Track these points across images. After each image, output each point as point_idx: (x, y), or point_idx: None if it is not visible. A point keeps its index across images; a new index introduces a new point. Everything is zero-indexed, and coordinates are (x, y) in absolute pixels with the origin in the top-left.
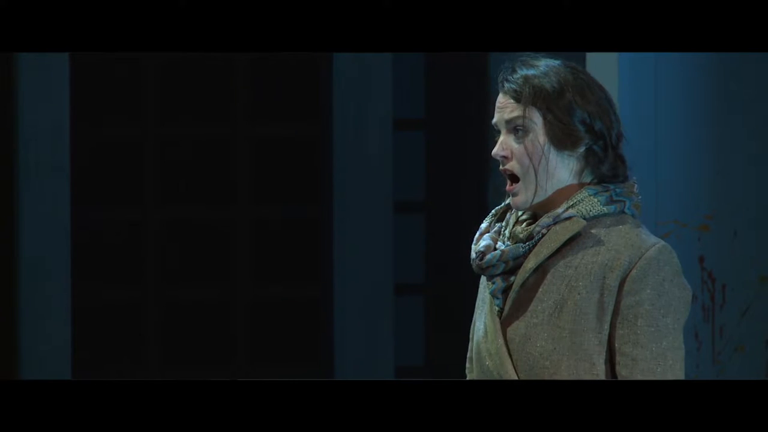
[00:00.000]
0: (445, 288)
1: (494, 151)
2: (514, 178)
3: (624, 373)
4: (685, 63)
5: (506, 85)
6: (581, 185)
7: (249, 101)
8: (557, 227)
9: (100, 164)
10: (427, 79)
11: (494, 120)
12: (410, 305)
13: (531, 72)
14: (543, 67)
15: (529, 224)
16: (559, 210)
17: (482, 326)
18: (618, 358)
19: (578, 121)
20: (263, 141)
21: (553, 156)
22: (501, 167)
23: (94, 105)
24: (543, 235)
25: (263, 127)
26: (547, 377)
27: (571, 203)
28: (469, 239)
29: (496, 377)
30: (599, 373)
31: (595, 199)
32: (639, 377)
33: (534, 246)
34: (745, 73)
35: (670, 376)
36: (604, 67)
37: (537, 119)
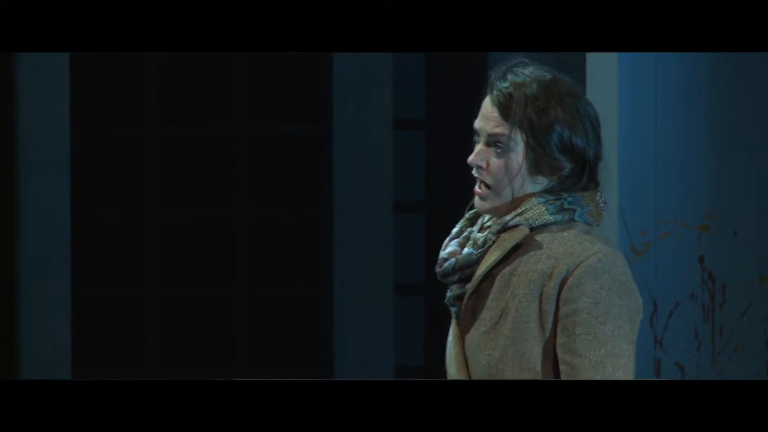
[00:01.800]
0: (445, 288)
1: (471, 159)
2: (486, 186)
3: None
4: (685, 63)
5: (495, 93)
6: (533, 193)
7: (249, 101)
8: (505, 235)
9: (100, 164)
10: (427, 79)
11: (477, 125)
12: (410, 305)
13: (520, 90)
14: (533, 84)
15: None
16: (507, 217)
17: (450, 332)
18: (561, 366)
19: (559, 149)
20: (263, 141)
21: (529, 178)
22: (475, 173)
23: (94, 105)
24: (493, 242)
25: (263, 127)
26: None
27: (520, 211)
28: None
29: None
30: None
31: (543, 208)
32: None
33: (484, 253)
34: (745, 73)
35: None
36: (604, 67)
37: (520, 141)
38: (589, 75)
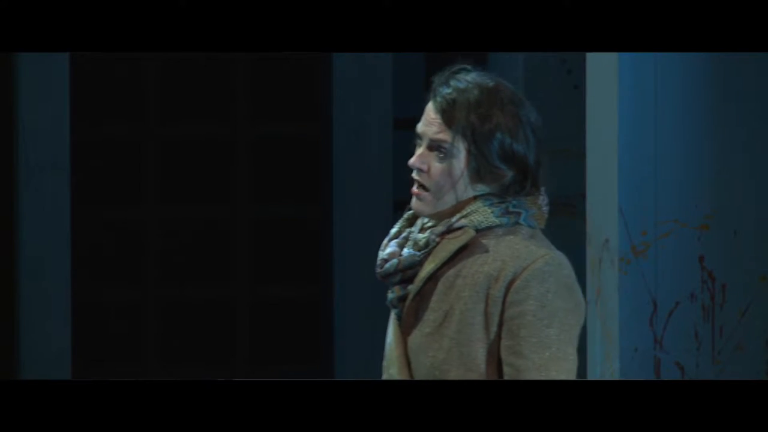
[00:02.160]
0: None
1: (412, 161)
2: (424, 189)
3: None
4: (685, 63)
5: (438, 99)
6: (478, 196)
7: (249, 101)
8: (450, 237)
9: (100, 164)
10: (427, 79)
11: (419, 129)
12: None
13: (463, 97)
14: (475, 90)
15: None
16: (453, 219)
17: (390, 333)
18: (504, 368)
19: (500, 158)
20: (263, 141)
21: (470, 185)
22: (415, 176)
23: (94, 105)
24: (437, 243)
25: (263, 127)
26: None
27: (465, 213)
28: None
29: None
30: None
31: (489, 210)
32: None
33: (428, 255)
34: (745, 73)
35: None
36: (604, 67)
37: (462, 149)
38: (589, 75)
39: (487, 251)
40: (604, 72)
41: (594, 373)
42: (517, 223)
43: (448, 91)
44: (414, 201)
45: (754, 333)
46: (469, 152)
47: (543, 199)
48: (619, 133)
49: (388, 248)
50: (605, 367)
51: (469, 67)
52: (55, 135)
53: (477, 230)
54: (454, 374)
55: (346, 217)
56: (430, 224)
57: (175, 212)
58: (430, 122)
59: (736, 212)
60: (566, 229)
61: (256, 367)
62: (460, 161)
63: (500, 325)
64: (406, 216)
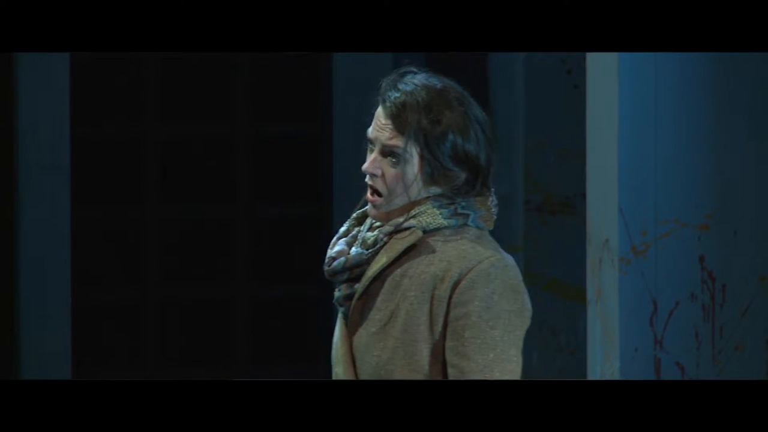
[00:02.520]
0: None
1: (366, 167)
2: (378, 193)
3: None
4: (685, 63)
5: (388, 104)
6: (428, 197)
7: (249, 101)
8: (397, 237)
9: (100, 164)
10: None
11: (371, 135)
12: None
13: (413, 100)
14: (424, 93)
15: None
16: (401, 219)
17: (337, 331)
18: (448, 369)
19: (453, 160)
20: (263, 141)
21: (423, 188)
22: (368, 181)
23: (94, 105)
24: (385, 243)
25: (263, 126)
26: None
27: (413, 214)
28: None
29: None
30: None
31: (438, 212)
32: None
33: (375, 254)
34: (745, 73)
35: None
36: (604, 67)
37: (415, 153)
38: (589, 75)
39: (433, 252)
40: (604, 72)
41: (594, 373)
42: (465, 224)
43: (397, 95)
44: (370, 207)
45: (755, 333)
46: (422, 157)
47: (492, 200)
48: (619, 133)
49: (336, 246)
50: (605, 367)
51: (415, 69)
52: (55, 135)
53: (425, 231)
54: (398, 374)
55: (346, 217)
56: (378, 224)
57: (175, 212)
58: (381, 128)
59: (736, 212)
60: (566, 229)
61: (256, 367)
62: (414, 166)
63: (445, 325)
64: (355, 215)
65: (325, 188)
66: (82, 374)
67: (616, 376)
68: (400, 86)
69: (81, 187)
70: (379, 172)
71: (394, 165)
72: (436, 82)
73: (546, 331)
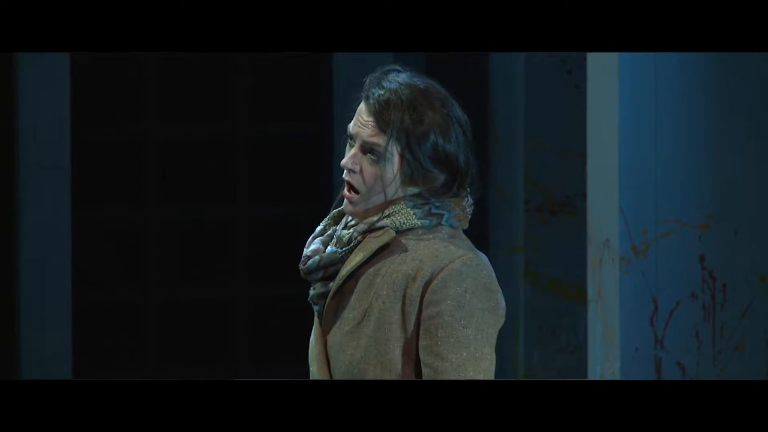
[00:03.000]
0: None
1: (344, 162)
2: (355, 190)
3: None
4: (685, 63)
5: (371, 101)
6: (403, 197)
7: (249, 101)
8: (371, 236)
9: (100, 164)
10: None
11: (352, 130)
12: None
13: (396, 98)
14: (407, 92)
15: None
16: (375, 218)
17: (313, 330)
18: (423, 368)
19: (433, 162)
20: (263, 140)
21: (401, 188)
22: (346, 176)
23: (94, 105)
24: (359, 242)
25: (263, 126)
26: None
27: (387, 213)
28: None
29: None
30: None
31: (412, 212)
32: None
33: (349, 252)
34: (745, 73)
35: None
36: (604, 67)
37: (396, 152)
38: (590, 75)
39: (406, 251)
40: (605, 72)
41: (594, 373)
42: (439, 224)
43: (381, 92)
44: (346, 203)
45: (755, 332)
46: (402, 156)
47: (467, 201)
48: (619, 133)
49: (312, 245)
50: (605, 367)
51: (399, 67)
52: (55, 135)
53: (398, 231)
54: (371, 373)
55: None
56: (353, 222)
57: (175, 212)
58: (363, 124)
59: (737, 212)
60: (567, 229)
61: (256, 367)
62: (393, 165)
63: (417, 324)
64: (331, 214)
65: (325, 188)
66: (82, 374)
67: (617, 376)
68: (384, 84)
69: (81, 187)
70: (357, 168)
71: (374, 163)
72: (419, 81)
73: (546, 330)
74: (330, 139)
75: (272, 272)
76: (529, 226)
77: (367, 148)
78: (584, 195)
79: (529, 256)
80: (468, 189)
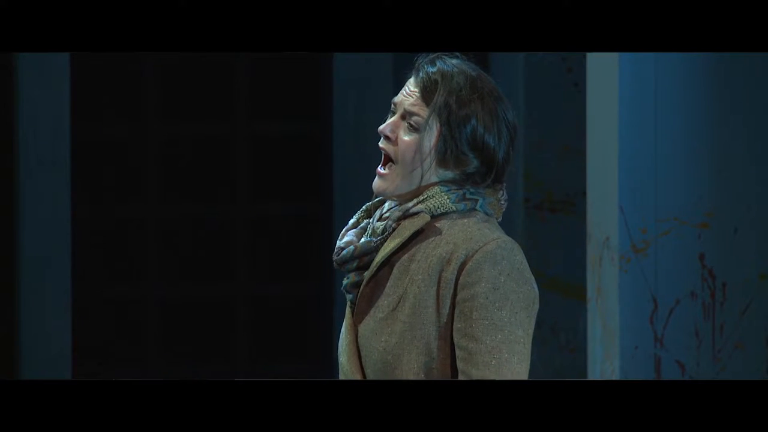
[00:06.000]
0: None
1: (382, 128)
2: (389, 161)
3: (462, 366)
4: (685, 63)
5: (421, 75)
6: (437, 182)
7: (249, 101)
8: (406, 222)
9: (100, 163)
10: None
11: (396, 99)
12: None
13: (446, 77)
14: (459, 75)
15: None
16: (409, 204)
17: (344, 322)
18: (457, 351)
19: (470, 145)
20: (263, 140)
21: (434, 167)
22: (381, 144)
23: (94, 104)
24: (394, 229)
25: (263, 126)
26: (389, 371)
27: (422, 198)
28: None
29: (348, 373)
30: (439, 366)
31: (446, 197)
32: (474, 371)
33: (384, 240)
34: (745, 73)
35: (505, 370)
36: (604, 67)
37: (435, 127)
38: (589, 75)
39: (440, 234)
40: (605, 71)
41: (594, 372)
42: (473, 209)
43: (433, 70)
44: (376, 180)
45: (755, 331)
46: (440, 133)
47: (502, 194)
48: (618, 132)
49: (345, 237)
50: (605, 366)
51: (458, 54)
52: (55, 133)
53: (433, 215)
54: (405, 359)
55: (346, 217)
56: (388, 213)
57: (175, 211)
58: (408, 94)
59: (736, 210)
60: (566, 228)
61: (256, 366)
62: (431, 139)
63: (452, 307)
64: (365, 207)
65: (325, 187)
66: (82, 374)
67: (617, 375)
68: (438, 63)
69: (81, 185)
70: (393, 136)
71: (411, 132)
72: (473, 70)
73: (546, 329)
74: (330, 138)
75: (272, 271)
76: (528, 225)
77: (406, 116)
78: (584, 193)
79: (529, 254)
80: (504, 184)
